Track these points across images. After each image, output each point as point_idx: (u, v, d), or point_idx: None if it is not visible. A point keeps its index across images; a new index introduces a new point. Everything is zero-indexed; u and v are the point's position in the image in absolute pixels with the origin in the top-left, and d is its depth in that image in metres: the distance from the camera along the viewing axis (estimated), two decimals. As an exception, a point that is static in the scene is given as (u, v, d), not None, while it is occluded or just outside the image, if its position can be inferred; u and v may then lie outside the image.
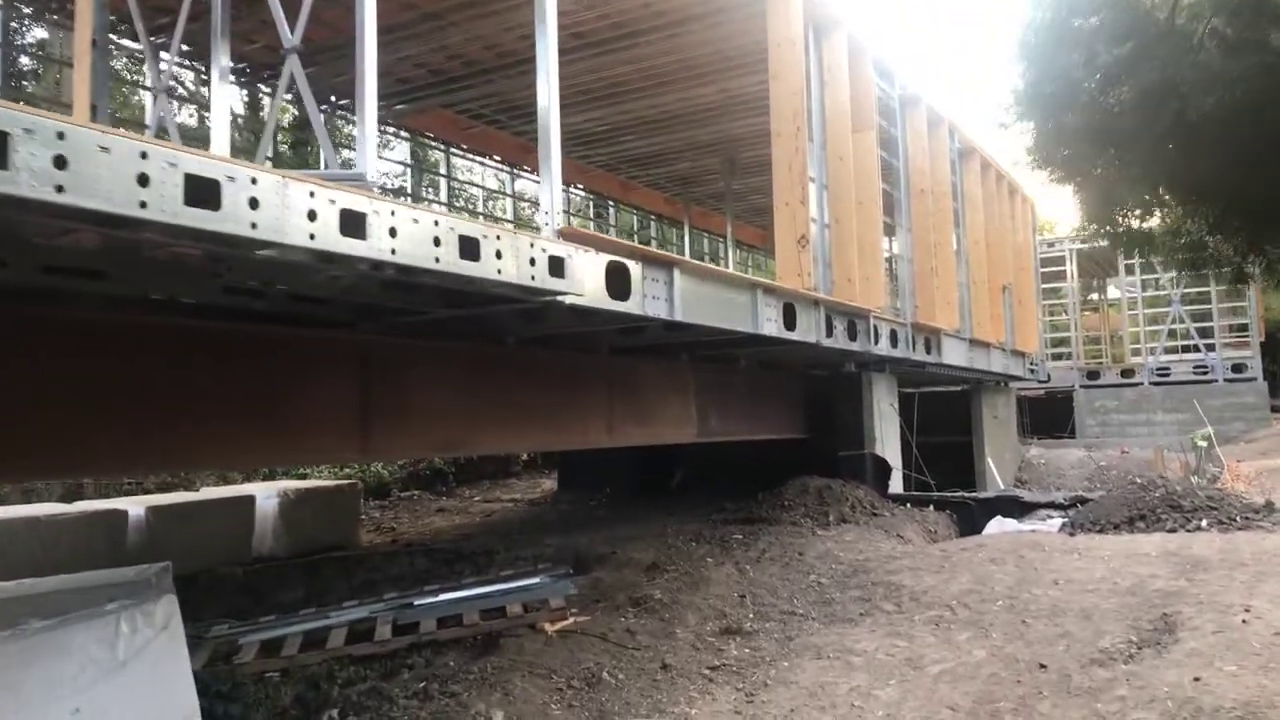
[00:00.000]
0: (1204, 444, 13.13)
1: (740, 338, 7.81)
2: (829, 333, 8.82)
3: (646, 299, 5.86)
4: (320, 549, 10.38)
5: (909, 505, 11.00)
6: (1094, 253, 26.29)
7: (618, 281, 5.58)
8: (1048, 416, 24.52)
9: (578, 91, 11.36)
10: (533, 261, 4.43)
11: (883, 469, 11.47)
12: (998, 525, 9.37)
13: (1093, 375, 24.90)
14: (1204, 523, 8.09)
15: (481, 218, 13.99)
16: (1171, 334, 24.45)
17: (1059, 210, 45.47)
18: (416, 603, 7.24)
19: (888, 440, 11.82)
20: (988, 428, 17.14)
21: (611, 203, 17.46)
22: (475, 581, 7.95)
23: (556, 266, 4.62)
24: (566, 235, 4.89)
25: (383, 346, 5.82)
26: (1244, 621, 5.65)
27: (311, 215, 3.31)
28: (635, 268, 5.73)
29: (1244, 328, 23.63)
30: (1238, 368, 22.53)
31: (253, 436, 5.13)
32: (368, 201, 3.55)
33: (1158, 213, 10.85)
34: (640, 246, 5.85)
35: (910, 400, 14.73)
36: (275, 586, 8.95)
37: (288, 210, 3.21)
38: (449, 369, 6.33)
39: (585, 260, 5.10)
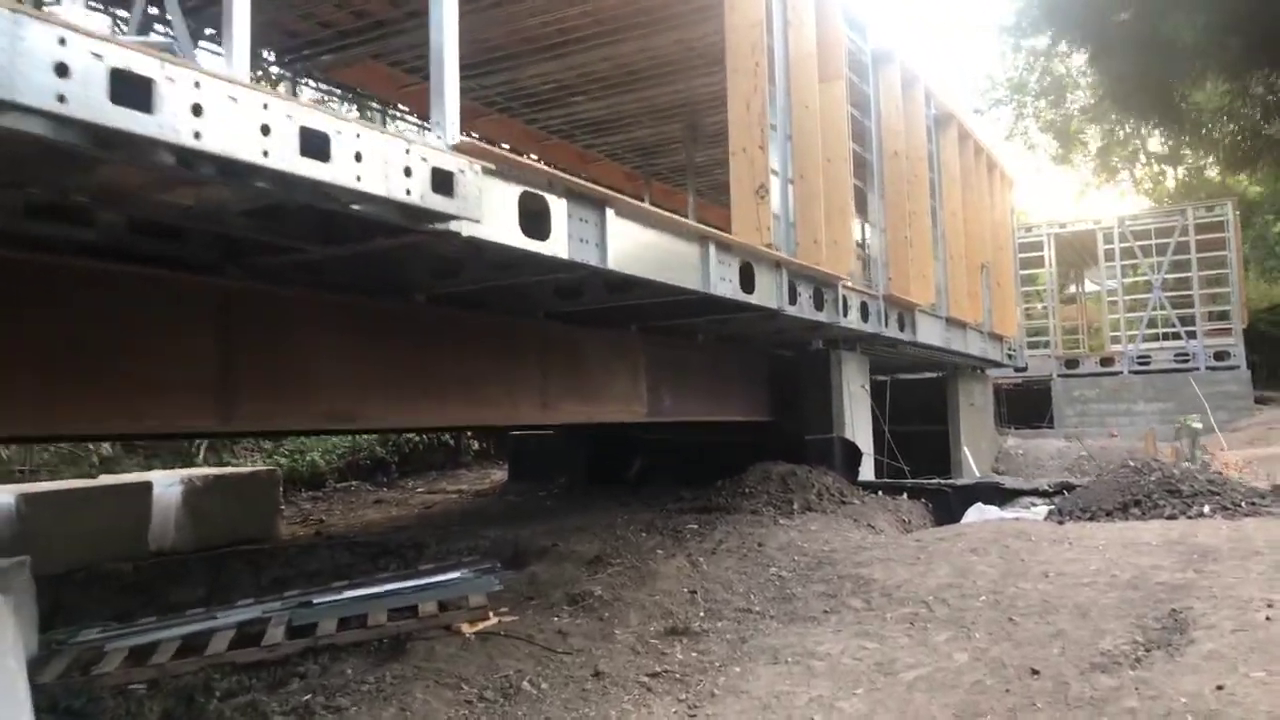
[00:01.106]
0: (1198, 425, 12.49)
1: (691, 301, 6.99)
2: (793, 299, 8.01)
3: (573, 242, 5.01)
4: (231, 542, 9.45)
5: (881, 493, 10.24)
6: (1073, 239, 25.80)
7: (535, 217, 4.72)
8: (1025, 407, 23.96)
9: (522, 40, 10.49)
10: (408, 172, 3.56)
11: (852, 454, 10.69)
12: (977, 513, 8.62)
13: (1071, 364, 24.36)
14: (1206, 509, 7.38)
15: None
16: (1152, 321, 23.95)
17: (1035, 202, 45.20)
18: (316, 601, 6.35)
19: (858, 424, 11.05)
20: (964, 416, 16.46)
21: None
22: (391, 577, 7.07)
23: (443, 182, 3.75)
24: (463, 149, 4.02)
25: (251, 296, 4.92)
26: (1268, 619, 4.90)
27: (61, 69, 2.43)
28: (557, 203, 4.87)
29: (1226, 315, 23.17)
30: (1220, 355, 22.04)
31: (73, 400, 4.21)
32: (157, 65, 2.66)
33: (1209, 81, 8.05)
34: (564, 176, 4.98)
35: (883, 387, 14.04)
36: (171, 584, 8.03)
37: (20, 58, 2.33)
38: (338, 327, 5.44)
39: (488, 185, 4.24)
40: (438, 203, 3.77)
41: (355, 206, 3.51)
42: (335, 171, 3.22)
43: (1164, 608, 5.36)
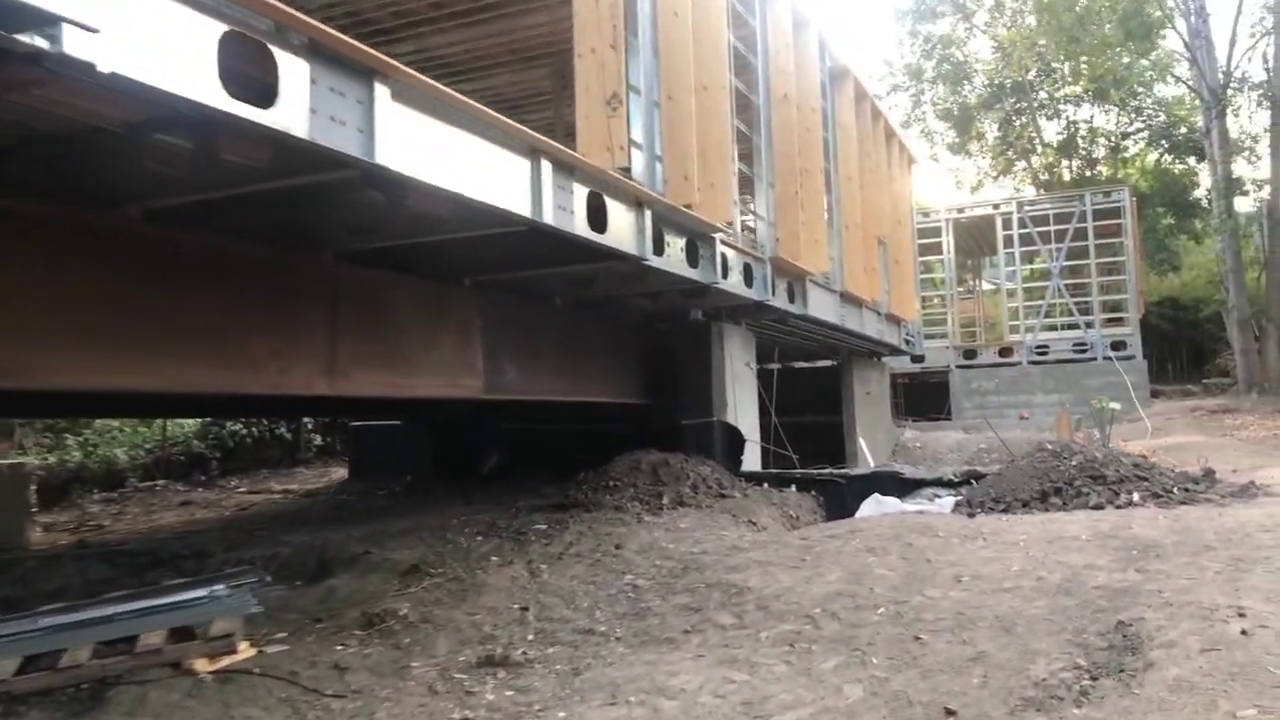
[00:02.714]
0: (1115, 406, 11.82)
1: (528, 245, 5.66)
2: (659, 248, 6.76)
3: (318, 119, 3.60)
4: (-44, 553, 7.67)
5: (766, 485, 9.10)
6: (972, 225, 25.50)
7: (249, 69, 3.30)
8: (923, 398, 23.49)
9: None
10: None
11: (735, 441, 9.53)
12: (875, 506, 7.53)
13: (969, 355, 24.01)
14: (1136, 496, 6.45)
15: None
16: (1050, 311, 23.76)
17: (933, 193, 45.54)
18: (-5, 633, 4.75)
19: (742, 407, 9.90)
20: (859, 405, 15.60)
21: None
22: (122, 596, 5.49)
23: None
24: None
25: None
26: (1244, 633, 3.85)
27: None
28: (285, 57, 3.45)
29: (1123, 304, 23.14)
30: (1118, 345, 21.92)
31: None
32: None
33: None
34: (314, 25, 3.57)
35: (775, 376, 13.02)
36: None
37: None
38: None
39: (147, 6, 2.82)
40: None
41: None
42: None
43: (1108, 619, 4.28)
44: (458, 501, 9.86)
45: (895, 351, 17.10)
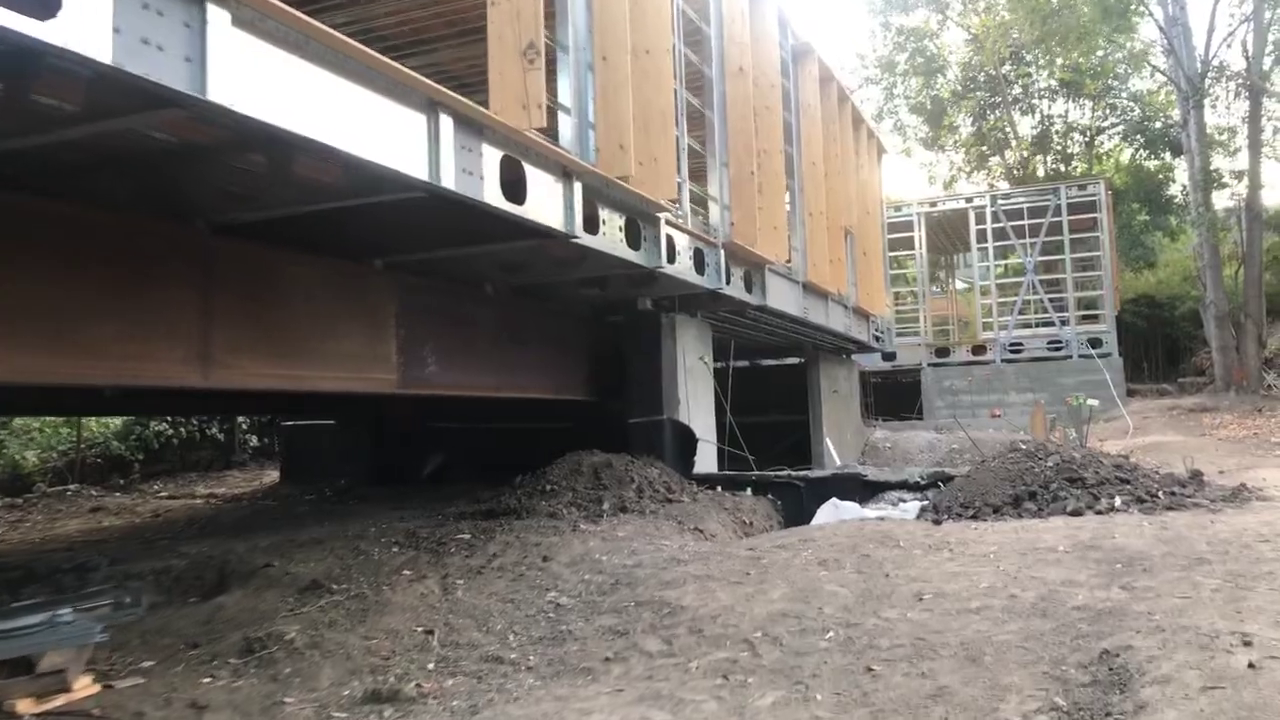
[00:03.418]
0: (1094, 403, 11.32)
1: (422, 207, 5.02)
2: (592, 225, 6.12)
3: (121, 37, 2.93)
4: None
5: (719, 488, 8.50)
6: (944, 219, 25.06)
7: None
8: (894, 397, 23.03)
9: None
10: None
11: (686, 441, 8.91)
12: (832, 511, 6.92)
13: (942, 353, 23.56)
14: (1118, 501, 5.89)
15: None
16: (1024, 307, 23.34)
17: (906, 189, 45.19)
18: None
19: (696, 404, 9.28)
20: (826, 403, 15.04)
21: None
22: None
23: None
24: None
25: None
26: (1251, 666, 3.27)
27: None
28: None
29: (1098, 301, 22.76)
30: (1094, 342, 21.52)
31: None
32: None
33: None
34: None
35: (739, 372, 12.42)
36: None
37: None
38: None
39: None
40: None
41: None
42: None
43: (1091, 647, 3.69)
44: (387, 507, 9.18)
45: (864, 348, 16.57)
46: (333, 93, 3.89)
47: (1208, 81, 19.59)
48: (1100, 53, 24.22)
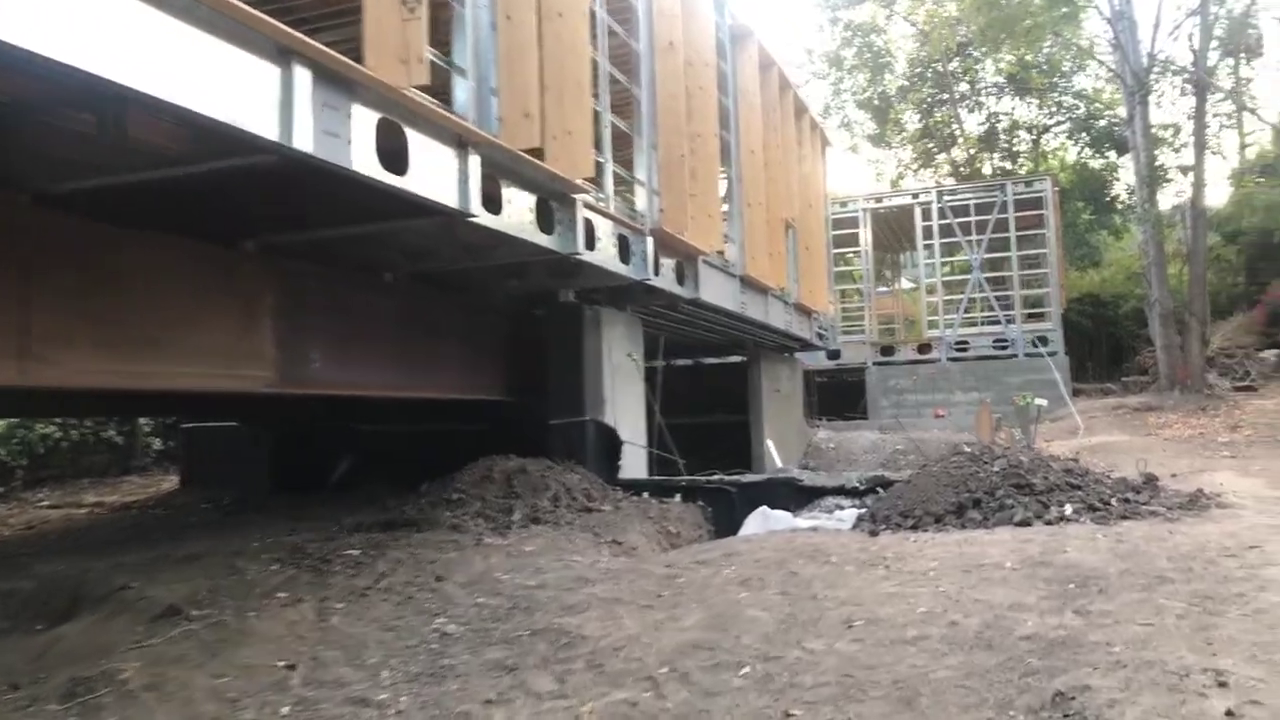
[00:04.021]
0: (1042, 403, 10.96)
1: (285, 178, 4.38)
2: (493, 203, 5.52)
3: None
4: None
5: (647, 495, 7.95)
6: (890, 216, 24.81)
7: None
8: (838, 397, 22.69)
9: None
10: None
11: (611, 444, 8.35)
12: (761, 521, 6.40)
13: (887, 351, 23.32)
14: (1069, 509, 5.44)
15: None
16: (971, 306, 23.15)
17: (852, 187, 45.10)
18: None
19: (623, 405, 8.73)
20: (768, 403, 14.58)
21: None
22: None
23: None
24: None
25: None
26: (1229, 714, 2.77)
27: None
28: None
29: (1044, 299, 22.66)
30: (1040, 340, 21.40)
31: None
32: None
33: None
34: None
35: (681, 372, 11.88)
36: None
37: None
38: None
39: None
40: None
41: None
42: None
43: (1042, 687, 3.19)
44: (282, 518, 8.46)
45: (807, 346, 16.15)
46: (160, 32, 3.26)
47: (1153, 77, 19.52)
48: (1047, 45, 24.13)
